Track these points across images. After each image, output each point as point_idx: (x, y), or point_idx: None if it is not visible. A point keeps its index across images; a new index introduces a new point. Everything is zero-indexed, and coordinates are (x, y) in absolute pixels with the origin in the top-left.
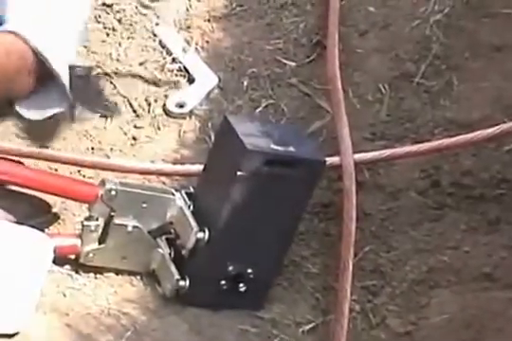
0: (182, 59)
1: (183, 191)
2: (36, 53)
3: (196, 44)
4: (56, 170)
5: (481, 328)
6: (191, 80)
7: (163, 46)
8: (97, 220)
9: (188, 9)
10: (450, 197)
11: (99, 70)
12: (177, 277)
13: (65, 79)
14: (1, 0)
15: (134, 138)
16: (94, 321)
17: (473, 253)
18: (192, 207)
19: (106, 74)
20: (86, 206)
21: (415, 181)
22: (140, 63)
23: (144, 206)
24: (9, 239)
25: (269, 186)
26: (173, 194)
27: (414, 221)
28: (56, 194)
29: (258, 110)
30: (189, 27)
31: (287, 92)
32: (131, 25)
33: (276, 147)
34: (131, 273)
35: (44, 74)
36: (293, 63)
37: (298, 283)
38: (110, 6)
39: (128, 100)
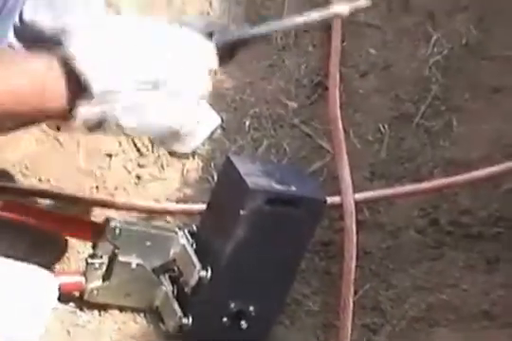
0: None
1: (186, 230)
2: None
3: None
4: (60, 208)
5: None
6: None
7: None
8: (101, 257)
9: None
10: (449, 236)
11: None
12: (180, 314)
13: None
14: None
15: (138, 177)
16: None
17: (472, 291)
18: (194, 245)
19: None
20: (90, 243)
21: (414, 219)
22: None
23: (148, 243)
24: (13, 276)
25: (271, 224)
26: (177, 233)
27: (413, 259)
28: (61, 232)
29: (260, 150)
30: None
31: (289, 132)
32: None
33: (278, 186)
34: (134, 310)
35: None
36: (295, 104)
37: (299, 321)
38: None
39: (132, 140)
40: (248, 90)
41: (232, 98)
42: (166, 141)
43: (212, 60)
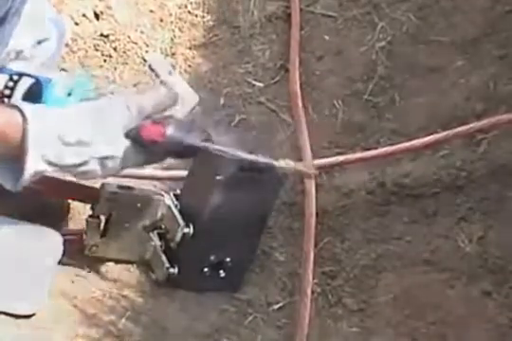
0: (168, 81)
1: (171, 193)
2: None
3: (180, 68)
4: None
5: (421, 305)
6: None
7: (152, 70)
8: (99, 217)
9: (172, 39)
10: (394, 195)
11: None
12: (168, 265)
13: None
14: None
15: None
16: (98, 303)
17: (414, 242)
18: (178, 206)
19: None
20: (90, 205)
21: (365, 182)
22: (133, 85)
23: (139, 205)
24: (25, 236)
25: (243, 188)
26: (163, 195)
27: (364, 216)
28: (63, 196)
29: (232, 124)
30: (174, 54)
31: (256, 108)
32: (124, 52)
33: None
34: (128, 262)
35: None
36: (261, 84)
37: (268, 269)
38: (107, 36)
39: None
40: (222, 73)
41: (209, 80)
42: None
43: None
